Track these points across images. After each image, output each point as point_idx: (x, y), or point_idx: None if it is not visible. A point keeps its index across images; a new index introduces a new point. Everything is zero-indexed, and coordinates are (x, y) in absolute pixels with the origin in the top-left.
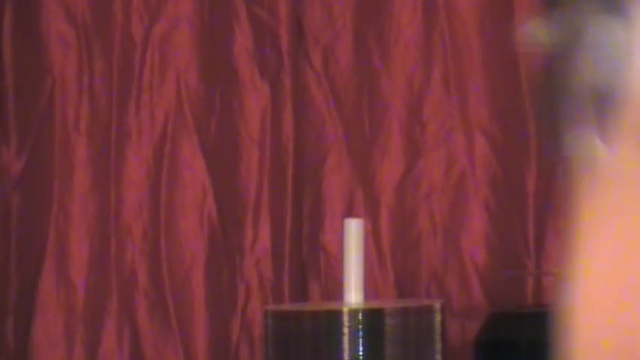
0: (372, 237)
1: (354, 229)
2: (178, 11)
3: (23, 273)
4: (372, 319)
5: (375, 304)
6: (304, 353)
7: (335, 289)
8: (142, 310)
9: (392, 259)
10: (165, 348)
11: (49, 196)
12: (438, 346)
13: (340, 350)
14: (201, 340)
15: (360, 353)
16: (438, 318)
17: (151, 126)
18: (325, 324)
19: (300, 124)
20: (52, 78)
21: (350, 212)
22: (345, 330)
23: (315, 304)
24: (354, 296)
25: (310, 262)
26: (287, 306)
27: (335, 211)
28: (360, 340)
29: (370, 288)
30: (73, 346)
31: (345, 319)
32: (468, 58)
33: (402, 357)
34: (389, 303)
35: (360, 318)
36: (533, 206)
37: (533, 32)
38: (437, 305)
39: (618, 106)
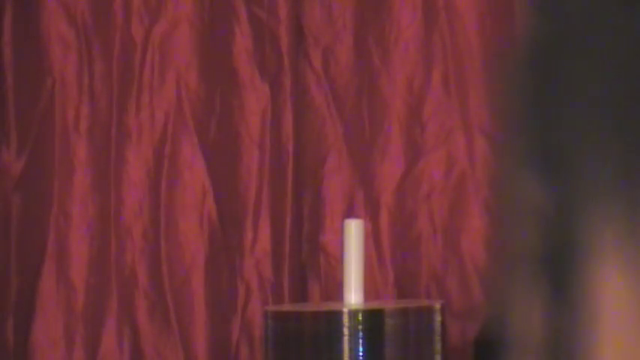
0: (372, 237)
1: (354, 230)
2: (178, 11)
3: (23, 273)
4: (372, 320)
5: (375, 305)
6: (304, 354)
7: (335, 290)
8: (142, 310)
9: (392, 259)
10: (165, 348)
11: (49, 197)
12: (438, 346)
13: (340, 351)
14: (201, 340)
15: (360, 354)
16: (438, 318)
17: (151, 126)
18: (325, 324)
19: (300, 125)
20: (52, 78)
21: (350, 212)
22: (345, 330)
23: (315, 304)
24: (354, 297)
25: (310, 262)
26: (287, 306)
27: (335, 212)
28: (360, 341)
29: (370, 288)
30: (73, 346)
31: (345, 319)
32: (468, 59)
33: (402, 357)
34: (389, 303)
35: (360, 318)
36: None
37: None
38: (437, 306)
39: None
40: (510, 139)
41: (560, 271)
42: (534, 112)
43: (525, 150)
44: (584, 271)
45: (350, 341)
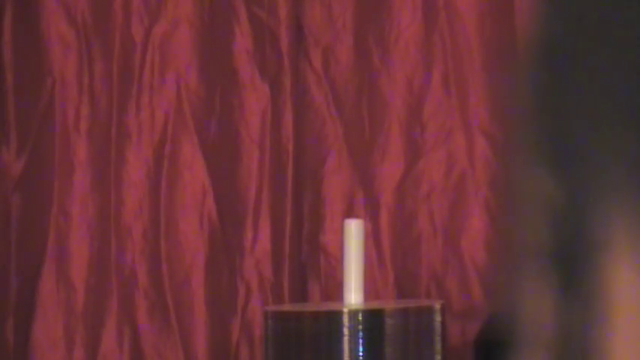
0: (372, 237)
1: (354, 230)
2: (178, 12)
3: (23, 273)
4: (372, 320)
5: (374, 305)
6: (304, 354)
7: (335, 290)
8: (142, 310)
9: (392, 259)
10: (165, 348)
11: (49, 197)
12: (438, 346)
13: (340, 351)
14: (201, 340)
15: (360, 354)
16: (437, 318)
17: (151, 126)
18: (325, 325)
19: (300, 125)
20: (52, 78)
21: (350, 212)
22: (345, 330)
23: (315, 304)
24: (353, 297)
25: (310, 262)
26: (287, 306)
27: (335, 212)
28: (360, 341)
29: (370, 288)
30: (73, 346)
31: (345, 319)
32: (468, 58)
33: (401, 358)
34: (389, 303)
35: (360, 318)
36: None
37: None
38: (437, 306)
39: None
40: (521, 132)
41: (571, 267)
42: (546, 105)
43: (537, 143)
44: (597, 266)
45: (350, 341)
